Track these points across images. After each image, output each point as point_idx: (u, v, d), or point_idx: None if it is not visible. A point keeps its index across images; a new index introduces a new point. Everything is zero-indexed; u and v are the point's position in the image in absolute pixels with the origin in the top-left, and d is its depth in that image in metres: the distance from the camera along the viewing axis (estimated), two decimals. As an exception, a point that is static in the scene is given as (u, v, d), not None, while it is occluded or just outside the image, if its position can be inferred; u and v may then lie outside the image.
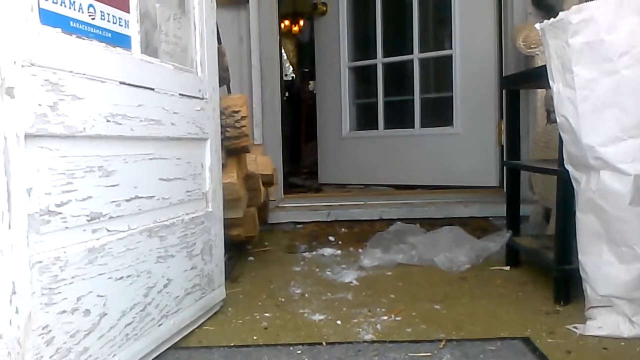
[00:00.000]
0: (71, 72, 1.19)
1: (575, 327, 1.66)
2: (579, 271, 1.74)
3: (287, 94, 6.45)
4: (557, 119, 1.75)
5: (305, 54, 7.11)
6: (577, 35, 1.63)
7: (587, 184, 1.68)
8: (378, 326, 1.74)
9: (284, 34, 6.78)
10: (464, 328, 1.71)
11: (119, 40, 1.38)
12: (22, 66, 1.06)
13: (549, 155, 2.54)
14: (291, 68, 7.81)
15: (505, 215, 2.53)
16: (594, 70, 1.62)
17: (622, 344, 1.56)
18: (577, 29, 1.63)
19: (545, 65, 1.80)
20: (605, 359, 1.47)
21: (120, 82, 1.36)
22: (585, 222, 1.70)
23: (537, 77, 2.00)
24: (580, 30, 1.62)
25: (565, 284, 1.90)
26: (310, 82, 6.56)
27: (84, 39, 1.25)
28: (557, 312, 1.83)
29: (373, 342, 1.62)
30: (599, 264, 1.66)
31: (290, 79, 7.62)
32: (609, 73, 1.61)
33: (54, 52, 1.15)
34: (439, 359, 1.48)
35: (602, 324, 1.63)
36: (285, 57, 7.18)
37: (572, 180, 1.76)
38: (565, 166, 1.78)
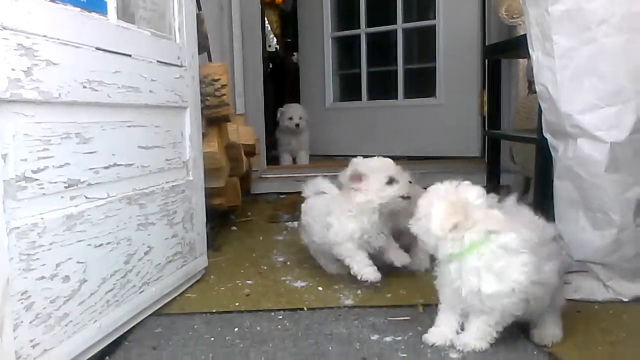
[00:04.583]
0: (45, 36, 1.17)
1: (551, 292, 1.70)
2: (556, 237, 1.77)
3: (271, 65, 6.37)
4: (537, 87, 1.76)
5: (288, 24, 6.98)
6: (557, 3, 1.62)
7: (564, 151, 1.70)
8: (358, 292, 1.77)
9: (267, 4, 6.66)
10: (443, 293, 1.73)
11: (95, 5, 1.36)
12: (-6, 29, 1.04)
13: (530, 125, 2.56)
14: (275, 39, 7.70)
15: (485, 185, 2.56)
16: (573, 39, 1.62)
17: (596, 307, 1.61)
18: (557, -4, 1.62)
19: (525, 34, 1.80)
20: (579, 322, 1.50)
21: (96, 48, 1.34)
22: (562, 189, 1.73)
23: (518, 46, 2.01)
24: (560, -2, 1.62)
25: (542, 251, 1.92)
26: (294, 53, 6.49)
27: (58, 3, 1.23)
28: (533, 278, 1.86)
29: (353, 307, 1.64)
30: (576, 230, 1.69)
31: (274, 50, 7.52)
32: (588, 41, 1.61)
33: (27, 16, 1.13)
34: (418, 322, 1.51)
35: (577, 288, 1.67)
36: (268, 28, 7.07)
37: (551, 148, 1.78)
38: (544, 134, 1.79)
